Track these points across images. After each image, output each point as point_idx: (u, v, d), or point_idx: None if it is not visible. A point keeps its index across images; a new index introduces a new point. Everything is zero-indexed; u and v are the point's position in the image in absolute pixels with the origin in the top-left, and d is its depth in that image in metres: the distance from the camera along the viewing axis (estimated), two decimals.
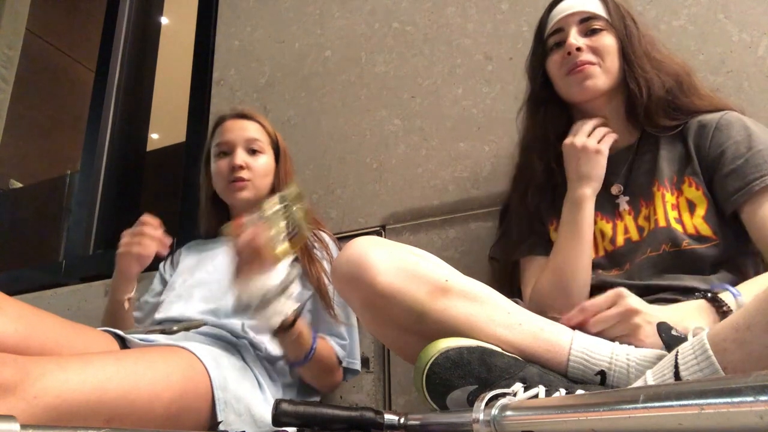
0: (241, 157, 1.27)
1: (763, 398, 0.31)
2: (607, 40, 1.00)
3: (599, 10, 1.02)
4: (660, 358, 0.67)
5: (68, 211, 2.48)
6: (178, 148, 2.00)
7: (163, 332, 1.07)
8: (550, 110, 1.08)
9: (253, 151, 1.29)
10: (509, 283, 1.13)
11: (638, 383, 0.65)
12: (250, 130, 1.31)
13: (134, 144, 2.19)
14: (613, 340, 0.75)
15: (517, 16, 1.43)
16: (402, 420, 0.71)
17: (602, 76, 1.00)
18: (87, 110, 2.15)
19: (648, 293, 0.87)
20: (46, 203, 2.73)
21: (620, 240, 0.98)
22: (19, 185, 2.98)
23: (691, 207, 0.93)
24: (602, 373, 0.71)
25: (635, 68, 0.99)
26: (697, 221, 0.92)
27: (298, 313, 0.98)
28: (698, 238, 0.91)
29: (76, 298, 1.80)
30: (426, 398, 0.71)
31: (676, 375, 0.60)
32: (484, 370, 0.69)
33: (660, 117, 0.99)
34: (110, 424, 0.76)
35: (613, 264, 0.98)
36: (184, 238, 1.64)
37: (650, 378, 0.63)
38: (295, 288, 1.02)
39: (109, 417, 0.76)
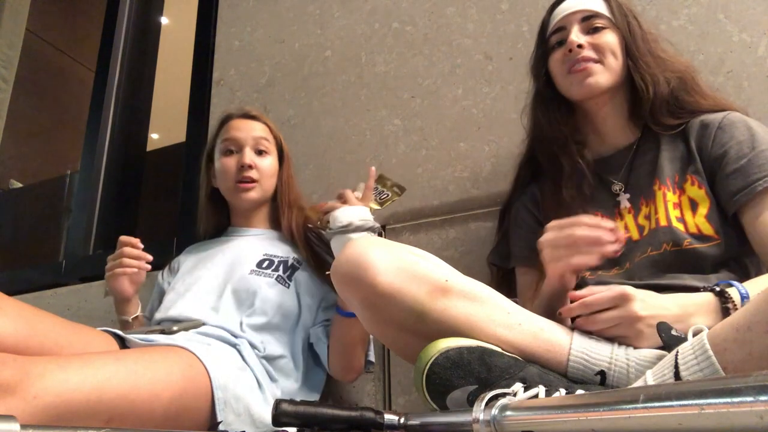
0: (249, 156, 1.27)
1: (763, 398, 0.31)
2: (609, 38, 1.00)
3: (601, 8, 1.02)
4: (660, 358, 0.67)
5: (68, 211, 2.48)
6: (178, 148, 2.00)
7: (162, 332, 1.07)
8: (555, 108, 1.08)
9: (260, 152, 1.30)
10: (508, 286, 1.13)
11: (638, 383, 0.65)
12: (258, 130, 1.31)
13: (134, 144, 2.19)
14: (612, 339, 0.75)
15: (517, 16, 1.43)
16: (402, 420, 0.70)
17: (604, 73, 0.99)
18: (87, 110, 2.15)
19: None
20: (46, 203, 2.73)
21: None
22: (19, 185, 2.98)
23: (694, 206, 0.93)
24: (602, 373, 0.71)
25: (640, 65, 0.99)
26: (699, 220, 0.91)
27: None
28: (700, 237, 0.90)
29: (76, 298, 1.80)
30: (426, 398, 0.71)
31: (677, 375, 0.60)
32: (484, 370, 0.69)
33: (664, 115, 0.99)
34: (110, 423, 0.76)
35: (612, 263, 0.98)
36: (184, 238, 1.64)
37: (650, 378, 0.63)
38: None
39: (109, 417, 0.76)
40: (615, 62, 1.00)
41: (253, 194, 1.27)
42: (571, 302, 0.79)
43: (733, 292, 0.77)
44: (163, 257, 1.38)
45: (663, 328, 0.68)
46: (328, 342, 1.17)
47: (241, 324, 1.12)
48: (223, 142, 1.31)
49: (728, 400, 0.33)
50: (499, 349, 0.73)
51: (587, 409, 0.44)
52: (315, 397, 1.20)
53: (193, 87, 1.91)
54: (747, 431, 0.32)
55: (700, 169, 0.94)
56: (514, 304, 0.79)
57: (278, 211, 1.31)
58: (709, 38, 1.23)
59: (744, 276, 0.88)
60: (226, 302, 1.16)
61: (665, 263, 0.92)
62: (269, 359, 1.12)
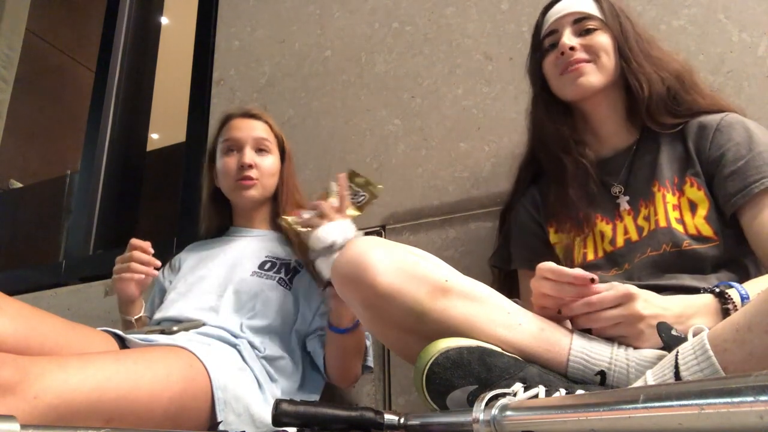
0: (249, 155, 1.27)
1: (763, 398, 0.31)
2: (602, 38, 1.00)
3: (593, 10, 1.02)
4: (660, 358, 0.67)
5: (68, 211, 2.48)
6: (178, 148, 2.00)
7: (162, 332, 1.07)
8: (554, 110, 1.08)
9: (260, 151, 1.30)
10: (510, 287, 1.13)
11: (638, 383, 0.65)
12: (259, 129, 1.31)
13: (134, 144, 2.19)
14: (612, 340, 0.75)
15: (517, 16, 1.43)
16: (402, 420, 0.71)
17: (596, 73, 1.00)
18: (87, 110, 2.15)
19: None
20: (46, 203, 2.73)
21: (620, 241, 0.98)
22: (19, 185, 2.98)
23: (693, 207, 0.93)
24: (602, 374, 0.71)
25: (633, 65, 0.99)
26: (699, 221, 0.91)
27: None
28: (699, 238, 0.90)
29: (76, 298, 1.80)
30: (426, 398, 0.71)
31: (677, 375, 0.60)
32: (484, 370, 0.69)
33: (662, 114, 0.99)
34: (110, 423, 0.76)
35: (611, 264, 0.98)
36: (184, 238, 1.64)
37: (650, 378, 0.63)
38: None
39: (109, 417, 0.76)
40: (608, 62, 1.00)
41: (254, 192, 1.27)
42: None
43: (733, 293, 0.77)
44: (163, 257, 1.37)
45: (663, 329, 0.68)
46: (324, 352, 1.17)
47: (241, 326, 1.12)
48: (224, 141, 1.31)
49: (728, 400, 0.33)
50: (499, 349, 0.73)
51: (587, 409, 0.44)
52: (315, 397, 1.20)
53: (193, 87, 1.91)
54: (747, 431, 0.32)
55: (699, 171, 0.94)
56: (514, 304, 0.79)
57: (280, 211, 1.30)
58: (709, 38, 1.23)
59: (744, 277, 0.88)
60: (227, 303, 1.16)
61: (665, 264, 0.92)
62: (269, 359, 1.11)
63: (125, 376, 0.80)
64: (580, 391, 0.62)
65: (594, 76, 0.99)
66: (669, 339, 0.66)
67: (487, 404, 0.56)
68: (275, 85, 1.73)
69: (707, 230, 0.90)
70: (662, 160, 0.98)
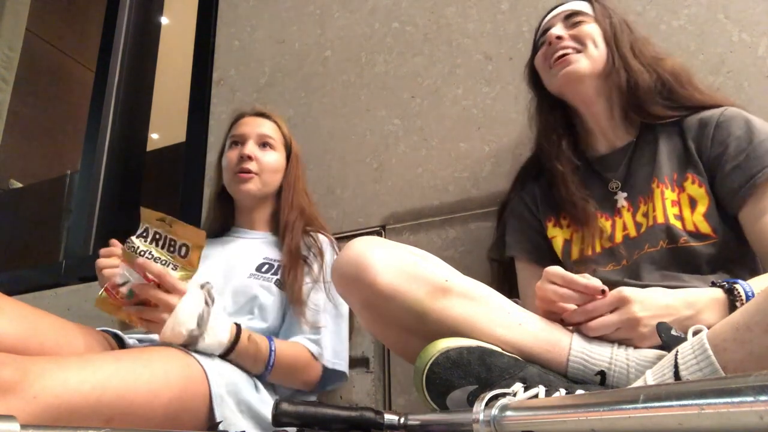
0: (250, 147, 1.27)
1: (763, 398, 0.31)
2: (589, 28, 1.02)
3: (584, 7, 1.06)
4: (660, 358, 0.67)
5: (68, 211, 2.48)
6: (178, 148, 2.00)
7: None
8: (548, 111, 1.09)
9: (264, 146, 1.30)
10: (509, 284, 1.13)
11: (638, 383, 0.65)
12: (265, 126, 1.32)
13: (134, 144, 2.19)
14: (612, 340, 0.75)
15: (517, 16, 1.43)
16: (402, 420, 0.71)
17: (583, 60, 1.00)
18: (87, 110, 2.15)
19: None
20: (46, 203, 2.74)
21: (618, 237, 0.99)
22: (19, 185, 2.98)
23: (693, 203, 0.93)
24: (602, 373, 0.71)
25: (617, 60, 1.00)
26: (698, 218, 0.91)
27: (236, 333, 0.98)
28: (697, 235, 0.90)
29: (76, 298, 1.80)
30: (426, 398, 0.71)
31: (676, 375, 0.60)
32: (484, 370, 0.69)
33: (655, 105, 0.99)
34: (110, 423, 0.76)
35: (609, 259, 0.98)
36: None
37: (650, 378, 0.63)
38: (221, 306, 1.05)
39: (109, 417, 0.76)
40: (595, 51, 1.01)
41: (251, 186, 1.26)
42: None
43: (740, 290, 0.76)
44: None
45: (662, 328, 0.68)
46: None
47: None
48: (230, 137, 1.32)
49: (728, 400, 0.33)
50: (499, 349, 0.73)
51: (587, 409, 0.44)
52: (314, 397, 1.20)
53: (193, 87, 1.91)
54: (747, 431, 0.32)
55: (700, 168, 0.94)
56: (514, 304, 0.79)
57: (282, 213, 1.28)
58: (709, 38, 1.23)
59: (740, 278, 0.88)
60: (226, 304, 1.15)
61: (662, 261, 0.92)
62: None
63: (124, 376, 0.80)
64: (580, 391, 0.62)
65: (581, 63, 1.00)
66: (668, 339, 0.67)
67: (487, 404, 0.56)
68: (275, 85, 1.73)
69: (705, 227, 0.90)
70: (661, 156, 0.98)
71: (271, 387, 1.08)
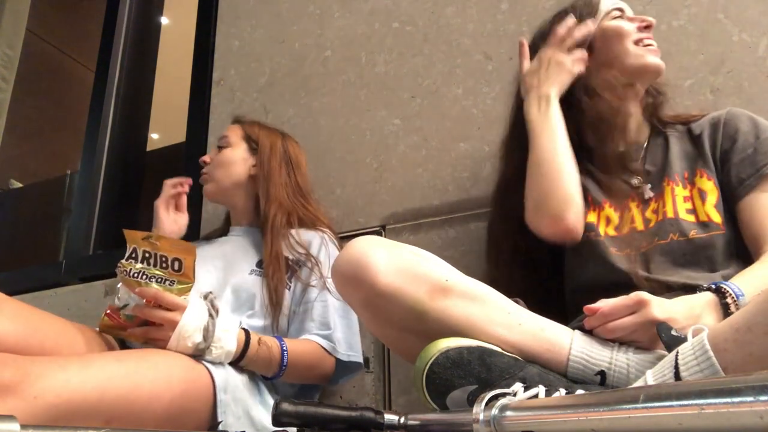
0: (208, 155, 1.36)
1: (763, 398, 0.31)
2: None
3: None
4: (660, 358, 0.67)
5: (68, 211, 2.48)
6: (178, 148, 2.00)
7: None
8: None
9: (219, 149, 1.35)
10: (509, 277, 1.11)
11: (638, 383, 0.65)
12: (228, 131, 1.37)
13: (134, 144, 2.19)
14: (613, 340, 0.75)
15: (517, 16, 1.43)
16: (402, 420, 0.70)
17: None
18: (87, 110, 2.15)
19: (661, 290, 0.87)
20: (46, 203, 2.73)
21: (625, 229, 1.00)
22: (19, 185, 2.98)
23: (703, 195, 0.96)
24: (602, 374, 0.71)
25: None
26: (709, 208, 0.94)
27: (246, 341, 0.98)
28: (708, 225, 0.93)
29: (76, 298, 1.80)
30: (426, 398, 0.71)
31: (677, 375, 0.60)
32: (484, 370, 0.69)
33: (670, 112, 1.07)
34: (110, 424, 0.76)
35: (612, 245, 0.99)
36: (184, 238, 1.64)
37: (650, 378, 0.63)
38: (225, 317, 1.06)
39: (109, 417, 0.76)
40: None
41: (208, 187, 1.33)
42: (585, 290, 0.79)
43: (727, 288, 0.78)
44: None
45: (663, 329, 0.68)
46: None
47: (240, 324, 1.12)
48: None
49: (728, 400, 0.33)
50: (499, 349, 0.73)
51: (587, 409, 0.44)
52: (315, 397, 1.20)
53: (193, 87, 1.91)
54: (747, 431, 0.32)
55: (709, 163, 0.98)
56: (514, 304, 0.80)
57: (260, 205, 1.27)
58: (709, 38, 1.23)
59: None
60: (227, 304, 1.15)
61: (673, 253, 0.93)
62: None
63: (126, 376, 0.80)
64: (580, 391, 0.62)
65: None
66: (669, 339, 0.67)
67: (487, 404, 0.56)
68: (275, 85, 1.73)
69: (716, 217, 0.93)
70: (672, 157, 1.01)
71: (273, 389, 1.08)
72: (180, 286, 0.94)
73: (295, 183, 1.33)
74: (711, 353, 0.58)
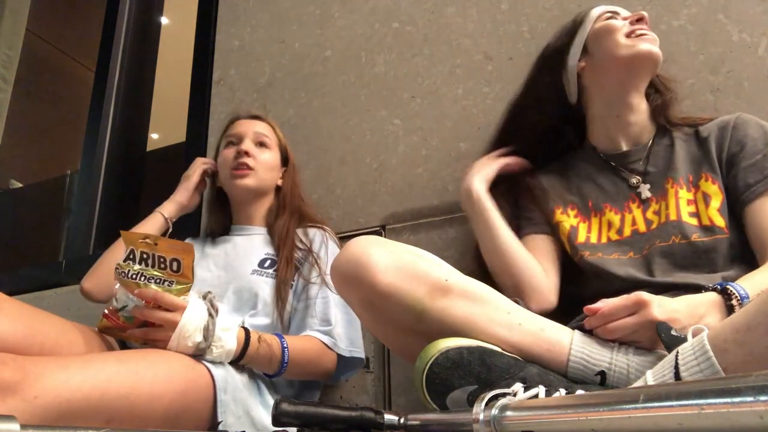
0: (247, 144, 1.30)
1: (763, 398, 0.31)
2: None
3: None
4: (660, 358, 0.67)
5: (68, 211, 2.48)
6: (178, 148, 2.00)
7: None
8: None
9: (260, 145, 1.32)
10: None
11: (638, 383, 0.65)
12: (260, 126, 1.35)
13: (134, 144, 2.19)
14: (613, 340, 0.75)
15: (517, 16, 1.43)
16: (402, 420, 0.70)
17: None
18: (87, 110, 2.15)
19: (659, 291, 0.87)
20: (46, 203, 2.73)
21: (627, 231, 1.00)
22: (19, 185, 2.98)
23: (707, 199, 0.96)
24: (602, 374, 0.71)
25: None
26: (712, 212, 0.94)
27: (246, 339, 0.98)
28: (711, 229, 0.93)
29: (76, 298, 1.79)
30: (426, 398, 0.71)
31: (677, 375, 0.60)
32: (484, 370, 0.69)
33: (678, 112, 1.07)
34: (110, 424, 0.76)
35: (615, 250, 1.00)
36: (184, 238, 1.64)
37: (650, 378, 0.63)
38: (225, 316, 1.06)
39: (110, 417, 0.76)
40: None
41: (248, 181, 1.27)
42: (587, 298, 0.79)
43: (733, 290, 0.77)
44: None
45: (663, 329, 0.68)
46: None
47: (243, 324, 1.12)
48: (226, 138, 1.35)
49: (728, 400, 0.33)
50: (499, 349, 0.73)
51: (587, 409, 0.44)
52: (315, 397, 1.20)
53: (193, 87, 1.91)
54: (747, 431, 0.32)
55: (715, 167, 0.98)
56: (515, 304, 0.80)
57: (278, 212, 1.30)
58: (709, 38, 1.23)
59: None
60: (228, 303, 1.16)
61: (674, 255, 0.93)
62: None
63: (126, 376, 0.80)
64: (580, 391, 0.62)
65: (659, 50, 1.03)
66: (669, 339, 0.67)
67: (487, 404, 0.56)
68: (275, 85, 1.73)
69: (720, 221, 0.93)
70: (677, 159, 1.01)
71: (273, 389, 1.08)
72: (179, 287, 0.94)
73: (300, 193, 1.38)
74: (711, 353, 0.58)
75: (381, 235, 1.41)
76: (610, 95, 1.07)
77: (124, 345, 1.07)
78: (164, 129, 3.11)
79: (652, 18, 1.27)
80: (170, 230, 1.30)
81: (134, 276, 0.92)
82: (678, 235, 0.94)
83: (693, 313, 0.75)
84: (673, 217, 0.96)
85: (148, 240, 0.94)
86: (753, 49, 1.18)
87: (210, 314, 0.94)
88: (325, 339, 1.11)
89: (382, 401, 1.29)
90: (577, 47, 1.08)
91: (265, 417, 0.99)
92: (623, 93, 1.05)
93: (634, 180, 1.03)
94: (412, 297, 0.75)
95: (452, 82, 1.46)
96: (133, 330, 0.94)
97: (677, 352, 0.62)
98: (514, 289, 1.02)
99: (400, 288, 0.76)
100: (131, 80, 2.21)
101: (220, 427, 0.91)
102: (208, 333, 0.92)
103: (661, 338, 0.68)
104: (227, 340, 0.95)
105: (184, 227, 1.74)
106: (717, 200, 0.95)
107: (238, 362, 0.98)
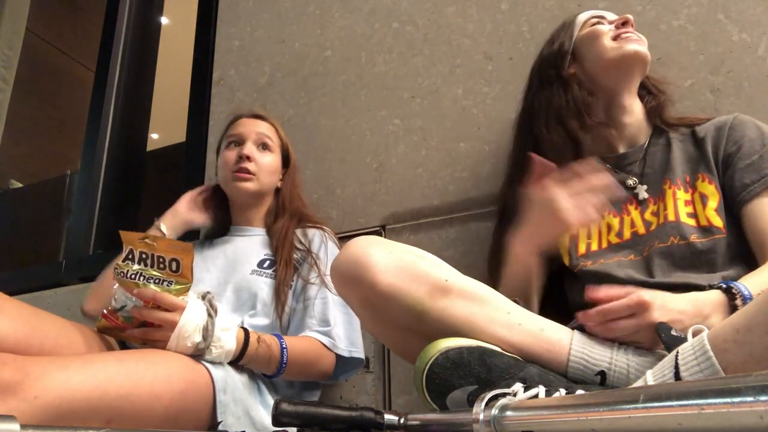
0: (249, 148, 1.28)
1: (763, 398, 0.31)
2: None
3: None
4: (660, 358, 0.67)
5: (68, 211, 2.48)
6: (178, 148, 2.00)
7: None
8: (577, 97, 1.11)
9: (263, 147, 1.31)
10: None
11: (638, 383, 0.65)
12: (262, 127, 1.33)
13: (134, 144, 2.19)
14: (613, 340, 0.75)
15: (517, 16, 1.43)
16: (402, 420, 0.70)
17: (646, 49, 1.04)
18: (87, 110, 2.15)
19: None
20: (46, 203, 2.73)
21: (627, 233, 1.00)
22: (19, 185, 2.98)
23: (704, 199, 0.96)
24: (602, 374, 0.71)
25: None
26: (710, 213, 0.94)
27: (245, 339, 0.98)
28: (709, 229, 0.93)
29: (76, 298, 1.80)
30: (426, 398, 0.71)
31: (677, 375, 0.60)
32: (484, 370, 0.69)
33: (674, 113, 1.06)
34: (110, 424, 0.76)
35: (616, 253, 0.99)
36: (184, 238, 1.64)
37: (650, 378, 0.63)
38: (224, 316, 1.05)
39: (110, 417, 0.76)
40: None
41: (249, 185, 1.27)
42: (588, 303, 0.78)
43: (737, 289, 0.77)
44: None
45: (663, 329, 0.68)
46: None
47: (242, 324, 1.12)
48: (227, 138, 1.34)
49: (728, 400, 0.33)
50: (499, 349, 0.73)
51: (587, 409, 0.44)
52: (315, 397, 1.20)
53: (193, 87, 1.91)
54: (747, 431, 0.32)
55: (711, 167, 0.98)
56: (514, 304, 0.79)
57: (277, 214, 1.30)
58: (709, 38, 1.23)
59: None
60: (227, 303, 1.16)
61: (672, 256, 0.93)
62: None
63: (126, 376, 0.80)
64: (580, 391, 0.62)
65: (647, 50, 1.03)
66: (669, 339, 0.66)
67: (487, 404, 0.56)
68: (275, 85, 1.73)
69: (717, 221, 0.93)
70: (674, 160, 1.01)
71: (273, 389, 1.08)
72: (178, 287, 0.94)
73: (300, 193, 1.37)
74: (711, 353, 0.58)
75: (381, 235, 1.41)
76: (602, 98, 1.07)
77: (123, 345, 1.07)
78: (164, 129, 3.11)
79: (652, 18, 1.28)
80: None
81: (133, 276, 0.92)
82: (677, 236, 0.94)
83: (698, 313, 0.74)
84: (671, 218, 0.96)
85: (147, 240, 0.94)
86: (753, 49, 1.18)
87: (209, 314, 0.94)
88: (324, 339, 1.11)
89: (382, 401, 1.29)
90: (566, 54, 1.08)
91: (265, 417, 0.99)
92: (615, 95, 1.06)
93: (630, 181, 1.03)
94: (412, 297, 0.75)
95: (452, 82, 1.46)
96: (132, 330, 0.94)
97: (677, 352, 0.62)
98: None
99: (400, 288, 0.76)
100: (131, 80, 2.21)
101: (220, 427, 0.91)
102: (207, 333, 0.93)
103: (661, 338, 0.68)
104: (226, 341, 0.95)
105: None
106: (714, 200, 0.95)
107: (237, 362, 0.98)
